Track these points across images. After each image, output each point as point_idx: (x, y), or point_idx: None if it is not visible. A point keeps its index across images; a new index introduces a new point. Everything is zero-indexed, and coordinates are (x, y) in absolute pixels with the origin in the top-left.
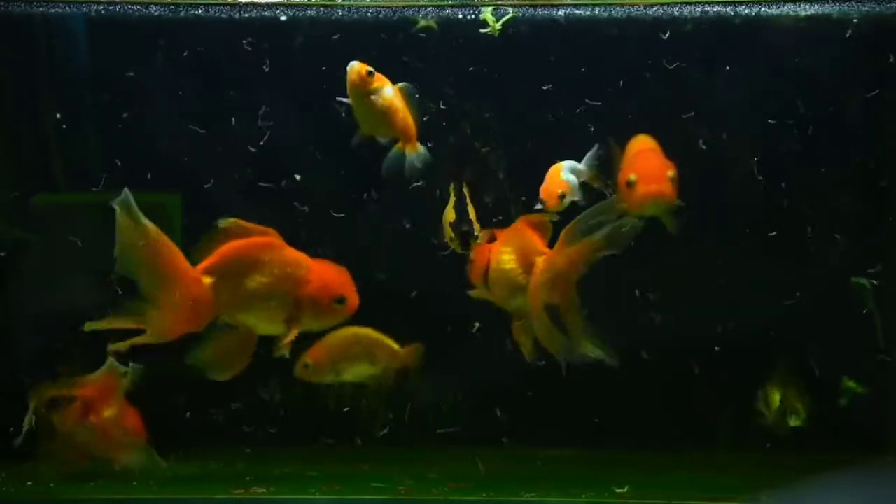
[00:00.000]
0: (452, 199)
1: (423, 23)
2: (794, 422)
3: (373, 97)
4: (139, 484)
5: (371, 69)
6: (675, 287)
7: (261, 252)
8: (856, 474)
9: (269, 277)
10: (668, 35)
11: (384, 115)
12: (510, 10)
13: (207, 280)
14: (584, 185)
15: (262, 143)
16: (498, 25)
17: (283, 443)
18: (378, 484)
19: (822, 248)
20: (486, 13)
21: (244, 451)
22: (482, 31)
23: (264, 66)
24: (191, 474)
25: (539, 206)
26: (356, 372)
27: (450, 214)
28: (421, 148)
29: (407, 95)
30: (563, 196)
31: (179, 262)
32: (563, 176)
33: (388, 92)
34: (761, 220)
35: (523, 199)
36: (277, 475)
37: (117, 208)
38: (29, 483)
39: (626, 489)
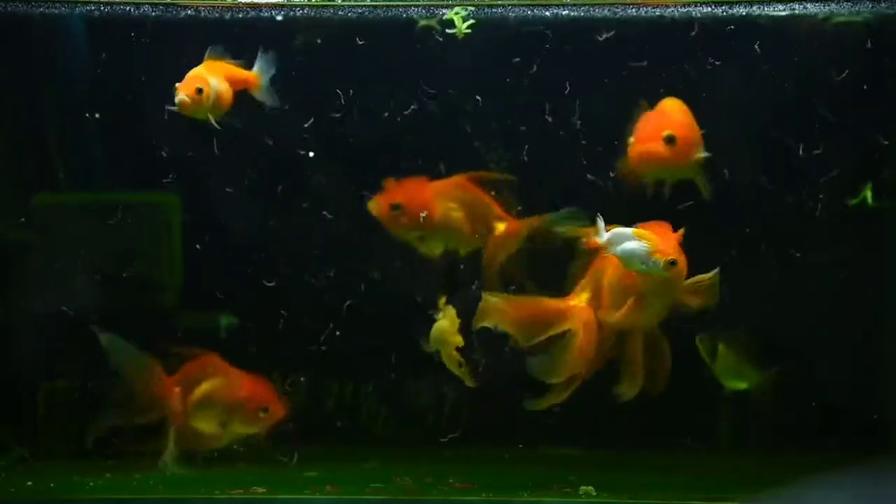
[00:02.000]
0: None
1: (423, 22)
2: (733, 385)
3: (211, 103)
4: (139, 483)
5: (199, 86)
6: None
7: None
8: (856, 474)
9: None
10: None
11: (225, 102)
12: (470, 11)
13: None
14: None
15: (263, 142)
16: (465, 27)
17: (284, 443)
18: (378, 484)
19: (820, 247)
20: (451, 13)
21: (244, 451)
22: (449, 31)
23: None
24: (191, 474)
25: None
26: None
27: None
28: (254, 76)
29: (217, 56)
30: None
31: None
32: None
33: (215, 85)
34: (759, 220)
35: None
36: (277, 475)
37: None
38: (29, 483)
39: (591, 488)
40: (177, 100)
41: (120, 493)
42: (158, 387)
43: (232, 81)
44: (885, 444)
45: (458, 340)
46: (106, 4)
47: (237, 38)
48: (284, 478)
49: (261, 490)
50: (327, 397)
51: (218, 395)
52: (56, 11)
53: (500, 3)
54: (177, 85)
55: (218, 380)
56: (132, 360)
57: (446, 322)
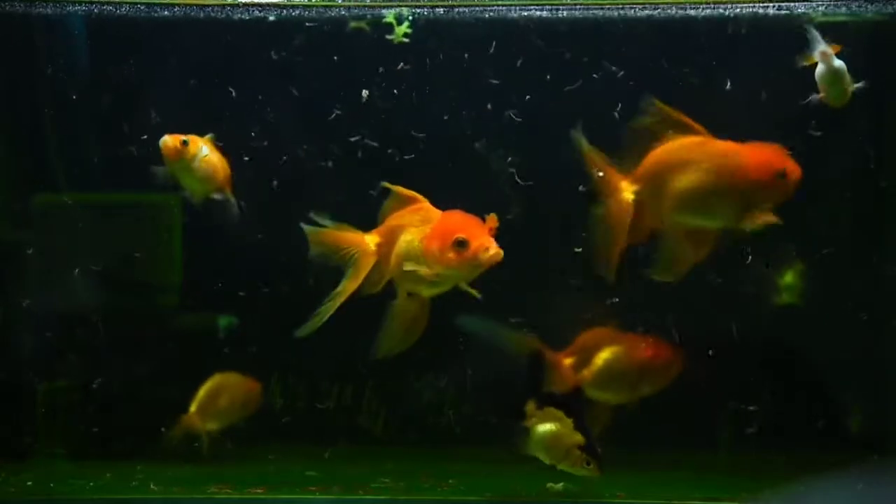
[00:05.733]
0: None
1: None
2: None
3: (195, 164)
4: (139, 484)
5: (185, 138)
6: (673, 286)
7: None
8: (856, 474)
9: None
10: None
11: (211, 175)
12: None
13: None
14: None
15: (261, 142)
16: (402, 33)
17: (284, 442)
18: (377, 484)
19: (821, 248)
20: (391, 16)
21: (245, 451)
22: (388, 36)
23: (263, 66)
24: (191, 474)
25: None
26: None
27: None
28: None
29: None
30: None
31: None
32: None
33: (205, 151)
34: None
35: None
36: (277, 475)
37: None
38: (29, 483)
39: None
40: (160, 141)
41: (120, 493)
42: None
43: (224, 167)
44: (885, 445)
45: (580, 439)
46: (106, 4)
47: (235, 38)
48: (284, 478)
49: (260, 490)
50: (327, 398)
51: (620, 362)
52: (54, 12)
53: (497, 3)
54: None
55: (615, 347)
56: (512, 343)
57: (558, 426)
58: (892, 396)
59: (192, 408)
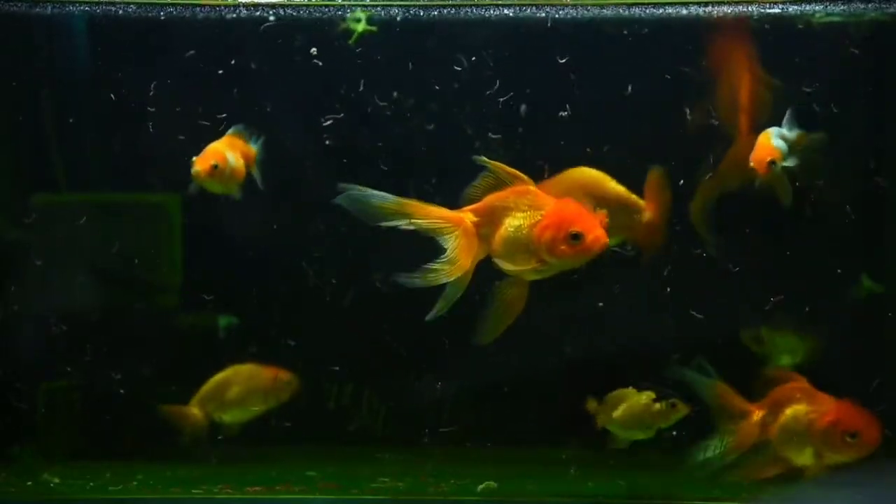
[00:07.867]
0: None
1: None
2: (785, 360)
3: (226, 175)
4: (139, 483)
5: (214, 161)
6: (674, 286)
7: None
8: (856, 474)
9: None
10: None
11: (239, 177)
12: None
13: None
14: (792, 149)
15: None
16: (359, 32)
17: (283, 442)
18: (377, 484)
19: (822, 249)
20: (360, 19)
21: (244, 451)
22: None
23: (262, 65)
24: (191, 474)
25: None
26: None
27: None
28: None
29: (238, 134)
30: (773, 163)
31: None
32: (773, 142)
33: (232, 161)
34: (762, 221)
35: None
36: (277, 475)
37: None
38: (29, 483)
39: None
40: (192, 171)
41: (120, 494)
42: (736, 412)
43: (245, 158)
44: (885, 445)
45: (653, 394)
46: (106, 4)
47: (235, 38)
48: (285, 478)
49: (260, 490)
50: (327, 397)
51: (803, 421)
52: (55, 12)
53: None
54: (194, 158)
55: (803, 405)
56: (706, 386)
57: (630, 401)
58: (892, 396)
59: (193, 400)
